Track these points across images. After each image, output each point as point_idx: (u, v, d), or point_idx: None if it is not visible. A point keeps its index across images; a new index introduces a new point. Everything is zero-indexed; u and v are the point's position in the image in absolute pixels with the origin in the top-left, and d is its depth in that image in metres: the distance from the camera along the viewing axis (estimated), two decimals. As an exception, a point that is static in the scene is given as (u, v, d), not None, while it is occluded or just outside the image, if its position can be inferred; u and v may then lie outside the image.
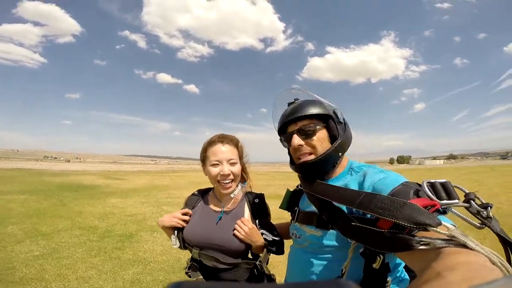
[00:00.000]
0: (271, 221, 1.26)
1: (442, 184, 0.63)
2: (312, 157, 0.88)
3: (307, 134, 0.88)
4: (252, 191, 1.30)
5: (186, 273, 1.20)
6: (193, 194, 1.35)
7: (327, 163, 0.88)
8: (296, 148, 0.90)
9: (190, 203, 1.30)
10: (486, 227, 0.59)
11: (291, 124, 0.92)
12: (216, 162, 1.16)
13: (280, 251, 1.19)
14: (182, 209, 1.27)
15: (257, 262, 1.14)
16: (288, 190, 1.13)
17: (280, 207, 1.13)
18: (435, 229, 0.51)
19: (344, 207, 0.75)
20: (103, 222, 5.98)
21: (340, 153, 0.88)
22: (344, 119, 0.91)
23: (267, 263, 1.20)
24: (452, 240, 0.49)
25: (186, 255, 1.24)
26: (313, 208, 0.87)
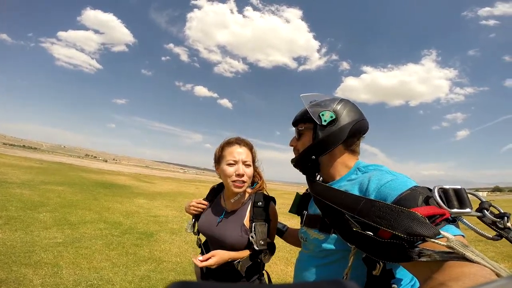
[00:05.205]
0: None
1: (456, 191, 0.59)
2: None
3: (297, 136, 0.99)
4: (265, 193, 1.32)
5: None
6: (213, 187, 1.43)
7: (301, 164, 0.96)
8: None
9: (209, 195, 1.41)
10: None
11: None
12: (233, 162, 1.20)
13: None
14: (203, 198, 1.40)
15: (236, 262, 1.15)
16: (297, 193, 1.14)
17: (289, 211, 1.13)
18: (433, 240, 0.50)
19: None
20: (127, 219, 6.13)
21: (314, 156, 0.90)
22: (333, 121, 0.88)
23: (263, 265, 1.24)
24: (451, 252, 0.48)
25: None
26: (318, 211, 0.87)
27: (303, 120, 0.95)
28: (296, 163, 0.98)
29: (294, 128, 1.02)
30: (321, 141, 0.87)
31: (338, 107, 0.89)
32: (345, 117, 0.88)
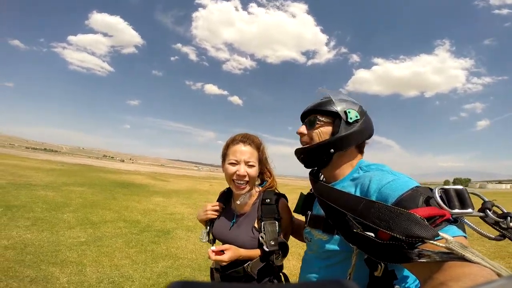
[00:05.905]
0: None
1: (457, 191, 0.58)
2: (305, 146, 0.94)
3: (310, 125, 0.93)
4: (276, 191, 1.27)
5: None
6: (224, 191, 1.39)
7: (314, 155, 0.91)
8: (299, 135, 0.97)
9: (220, 199, 1.35)
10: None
11: (305, 117, 0.99)
12: (234, 161, 1.16)
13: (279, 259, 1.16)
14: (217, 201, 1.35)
15: (246, 264, 1.11)
16: (301, 193, 1.13)
17: (294, 211, 1.13)
18: (431, 242, 0.51)
19: None
20: (145, 218, 6.34)
21: (333, 150, 0.87)
22: (357, 120, 0.89)
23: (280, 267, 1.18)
24: (451, 253, 0.48)
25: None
26: (322, 212, 0.87)
27: (322, 112, 0.92)
28: (308, 152, 0.93)
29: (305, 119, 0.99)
30: (344, 137, 0.87)
31: (361, 109, 0.92)
32: (366, 120, 0.92)
